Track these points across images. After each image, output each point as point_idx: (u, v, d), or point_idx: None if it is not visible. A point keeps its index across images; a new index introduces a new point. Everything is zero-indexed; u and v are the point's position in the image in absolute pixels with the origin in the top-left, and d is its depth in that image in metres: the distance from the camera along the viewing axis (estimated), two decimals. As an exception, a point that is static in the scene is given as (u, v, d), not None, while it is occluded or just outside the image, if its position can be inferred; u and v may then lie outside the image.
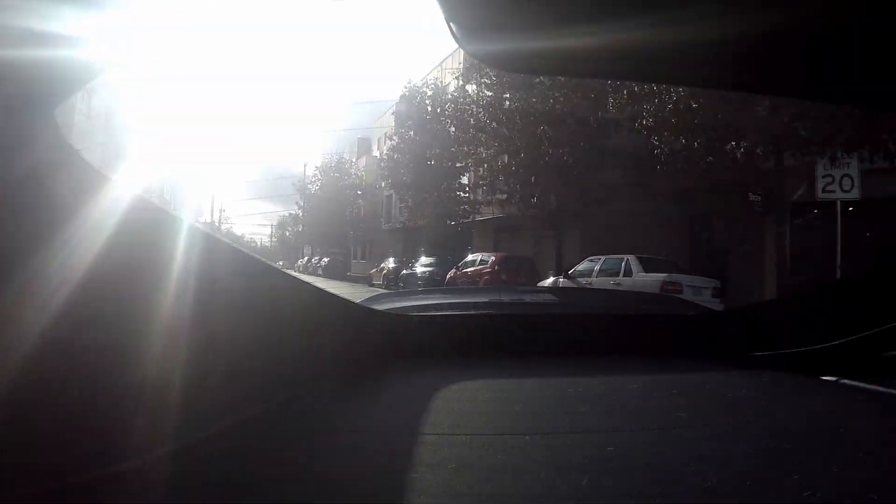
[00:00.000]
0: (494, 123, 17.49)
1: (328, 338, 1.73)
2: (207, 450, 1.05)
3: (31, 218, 0.82)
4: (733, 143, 11.46)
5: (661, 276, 11.92)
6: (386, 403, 1.48)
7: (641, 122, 13.10)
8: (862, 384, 1.56)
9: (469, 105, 19.46)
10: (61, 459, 0.83)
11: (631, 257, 12.76)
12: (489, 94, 18.21)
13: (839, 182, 11.05)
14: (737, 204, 13.88)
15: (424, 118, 24.57)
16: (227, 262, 1.25)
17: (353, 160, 43.81)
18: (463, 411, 1.37)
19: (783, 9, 0.88)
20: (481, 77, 18.57)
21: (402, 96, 26.53)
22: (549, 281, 14.86)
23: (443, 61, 29.89)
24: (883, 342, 1.53)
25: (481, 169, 19.35)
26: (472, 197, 23.73)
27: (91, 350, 0.90)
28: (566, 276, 13.92)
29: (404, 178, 24.97)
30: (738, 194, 13.35)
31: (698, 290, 11.74)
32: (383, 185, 32.43)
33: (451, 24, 1.04)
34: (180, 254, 1.11)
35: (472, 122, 18.70)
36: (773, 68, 1.12)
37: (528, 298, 2.80)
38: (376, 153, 39.29)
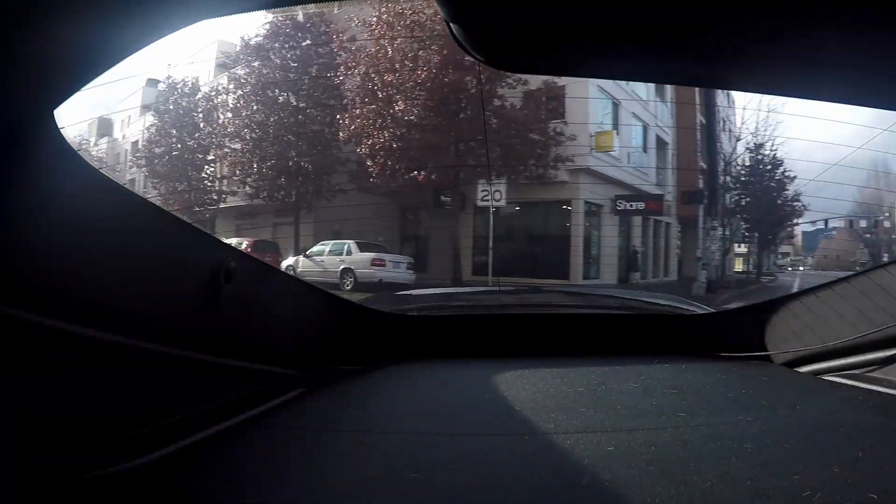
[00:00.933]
0: (246, 130, 19.99)
1: (327, 337, 1.75)
2: (208, 449, 1.08)
3: (31, 218, 0.79)
4: (415, 172, 15.97)
5: (371, 254, 15.72)
6: (385, 403, 1.49)
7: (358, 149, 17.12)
8: (862, 384, 1.58)
9: (222, 109, 21.66)
10: (64, 458, 0.84)
11: (350, 241, 16.43)
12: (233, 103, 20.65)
13: (493, 194, 15.96)
14: (433, 202, 18.58)
15: (179, 113, 25.40)
16: (234, 263, 1.19)
17: (93, 140, 41.60)
18: (463, 411, 1.40)
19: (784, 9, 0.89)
20: (233, 87, 20.94)
21: (148, 80, 26.81)
22: (291, 260, 17.92)
23: (194, 55, 30.44)
24: (866, 347, 1.57)
25: (233, 165, 21.49)
26: (217, 187, 25.30)
27: (100, 351, 0.90)
28: (305, 256, 17.13)
29: (159, 168, 25.69)
30: (434, 196, 17.92)
31: (398, 265, 15.75)
32: (126, 167, 31.99)
33: (451, 25, 1.01)
34: (183, 255, 1.12)
35: (225, 123, 20.93)
36: (773, 68, 1.12)
37: (526, 298, 2.89)
38: (118, 135, 37.98)
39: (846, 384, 1.60)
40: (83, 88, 0.84)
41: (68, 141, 0.86)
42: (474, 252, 18.67)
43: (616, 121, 19.42)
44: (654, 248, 22.70)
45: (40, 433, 0.82)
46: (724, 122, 28.07)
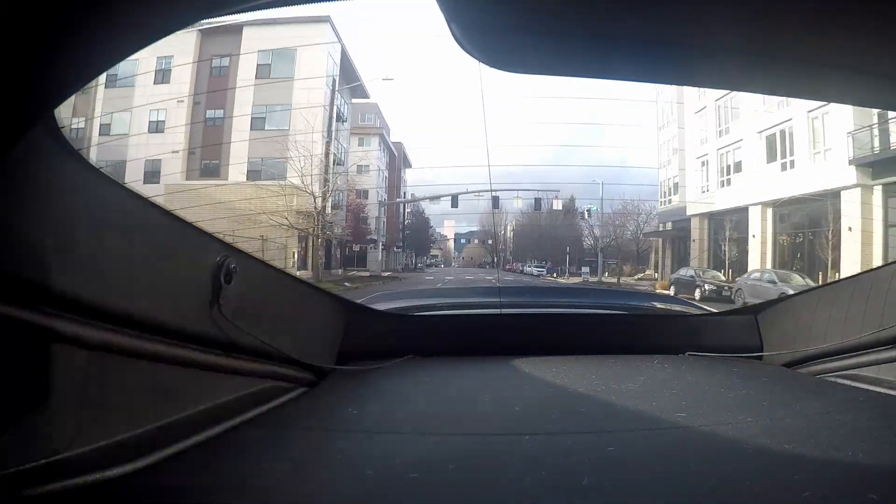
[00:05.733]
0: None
1: (328, 337, 1.75)
2: (208, 449, 1.05)
3: (31, 218, 0.78)
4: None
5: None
6: (385, 403, 1.45)
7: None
8: (862, 384, 1.55)
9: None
10: (61, 459, 0.80)
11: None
12: None
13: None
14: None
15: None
16: (234, 263, 1.19)
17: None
18: (463, 411, 1.36)
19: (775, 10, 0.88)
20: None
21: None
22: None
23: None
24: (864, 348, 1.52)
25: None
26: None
27: (101, 351, 0.87)
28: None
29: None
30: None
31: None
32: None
33: (451, 24, 0.99)
34: (183, 255, 1.10)
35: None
36: (773, 68, 1.10)
37: (527, 298, 2.97)
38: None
39: (846, 384, 1.57)
40: (82, 88, 0.81)
41: (68, 140, 0.84)
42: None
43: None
44: (388, 258, 49.42)
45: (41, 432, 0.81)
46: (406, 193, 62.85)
